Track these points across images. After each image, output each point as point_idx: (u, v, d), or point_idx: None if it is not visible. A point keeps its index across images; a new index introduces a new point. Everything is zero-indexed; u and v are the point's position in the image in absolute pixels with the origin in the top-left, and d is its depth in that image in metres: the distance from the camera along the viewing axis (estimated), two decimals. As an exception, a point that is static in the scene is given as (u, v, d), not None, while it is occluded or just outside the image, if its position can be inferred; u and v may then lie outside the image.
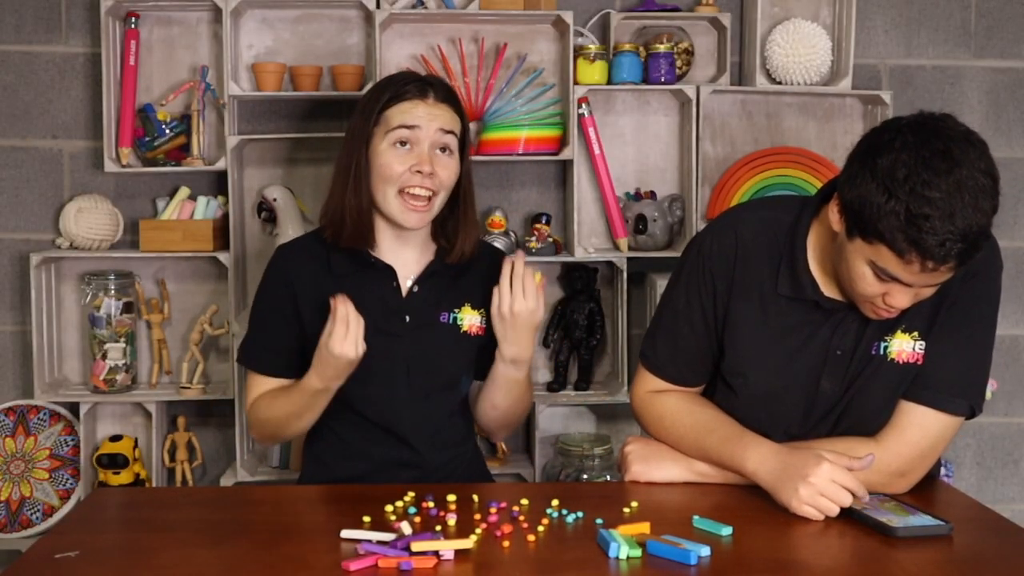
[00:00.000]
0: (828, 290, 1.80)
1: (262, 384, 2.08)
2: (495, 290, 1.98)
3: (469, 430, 2.18)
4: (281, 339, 2.06)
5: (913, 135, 1.60)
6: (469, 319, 2.08)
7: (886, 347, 1.78)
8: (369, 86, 2.89)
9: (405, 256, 2.08)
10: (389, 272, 2.06)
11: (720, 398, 1.90)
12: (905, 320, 1.77)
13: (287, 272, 2.07)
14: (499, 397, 2.08)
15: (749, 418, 1.83)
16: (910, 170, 1.56)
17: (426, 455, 2.05)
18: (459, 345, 2.07)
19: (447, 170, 2.02)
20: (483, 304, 2.07)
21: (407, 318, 2.05)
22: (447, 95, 2.05)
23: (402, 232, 2.05)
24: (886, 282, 1.65)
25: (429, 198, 2.00)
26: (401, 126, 1.99)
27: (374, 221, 2.05)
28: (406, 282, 2.07)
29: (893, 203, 1.57)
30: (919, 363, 1.77)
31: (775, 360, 1.82)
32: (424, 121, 1.99)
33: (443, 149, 2.01)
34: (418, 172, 1.98)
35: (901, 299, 1.67)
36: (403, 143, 1.99)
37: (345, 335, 1.87)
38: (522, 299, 1.96)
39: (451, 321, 2.07)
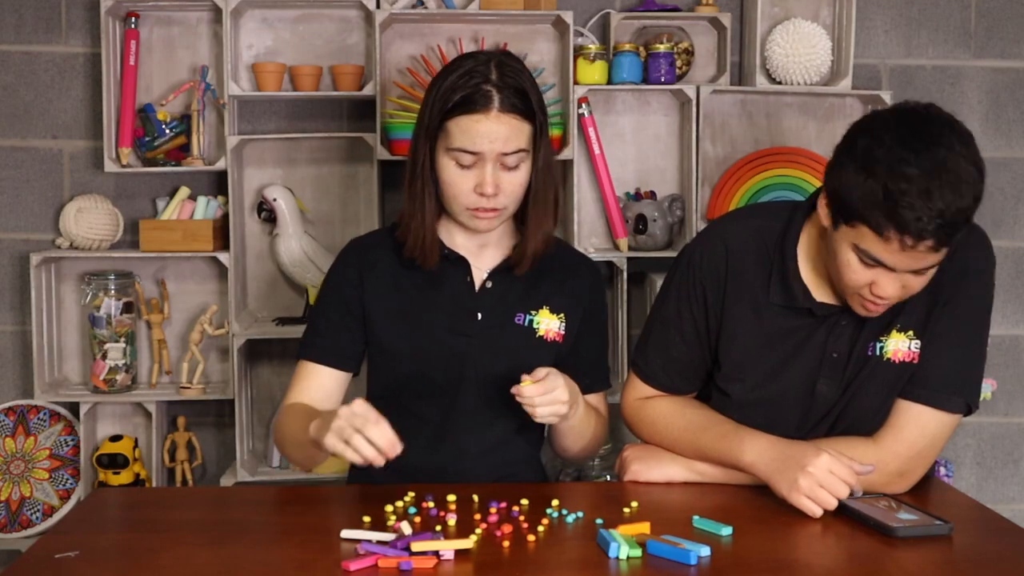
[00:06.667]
0: (821, 295, 1.80)
1: (313, 380, 1.93)
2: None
3: (534, 448, 2.03)
4: (344, 329, 1.94)
5: (894, 119, 1.63)
6: (547, 323, 1.93)
7: (882, 347, 1.78)
8: (368, 87, 2.91)
9: (482, 244, 1.95)
10: (463, 264, 1.93)
11: (715, 404, 1.90)
12: (900, 319, 1.77)
13: (359, 263, 1.96)
14: (568, 443, 1.97)
15: (745, 424, 1.83)
16: (888, 149, 1.58)
17: (478, 470, 1.92)
18: (534, 351, 1.89)
19: (512, 184, 1.86)
20: (564, 309, 1.95)
21: (479, 316, 1.92)
22: (514, 101, 1.85)
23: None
24: (871, 267, 1.65)
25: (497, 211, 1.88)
26: (461, 149, 1.83)
27: (437, 234, 1.92)
28: (481, 275, 1.95)
29: (871, 182, 1.58)
30: (915, 362, 1.78)
31: (771, 366, 1.82)
32: (486, 144, 1.82)
33: (507, 166, 1.85)
34: (482, 195, 1.84)
35: (887, 287, 1.66)
36: (464, 164, 1.85)
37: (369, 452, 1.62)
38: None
39: (527, 323, 1.93)
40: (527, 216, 1.93)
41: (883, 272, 1.65)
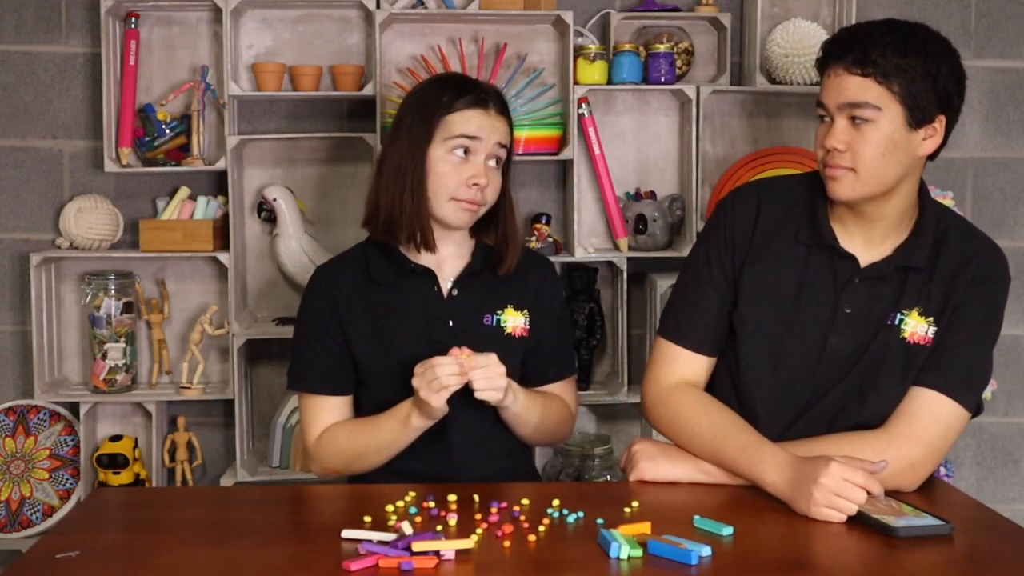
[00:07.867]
0: (845, 243, 1.86)
1: (326, 409, 2.03)
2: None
3: (517, 441, 2.08)
4: (334, 355, 2.03)
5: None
6: (513, 321, 2.04)
7: (902, 321, 1.82)
8: (368, 87, 2.91)
9: (442, 258, 2.05)
10: (429, 276, 2.03)
11: (729, 348, 1.92)
12: (921, 304, 1.81)
13: (330, 288, 2.04)
14: (518, 430, 2.04)
15: (757, 377, 1.86)
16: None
17: (469, 468, 1.99)
18: (504, 349, 1.95)
19: (495, 184, 2.01)
20: (527, 305, 2.06)
21: (450, 323, 2.02)
22: (502, 106, 2.04)
23: (442, 232, 2.03)
24: (825, 122, 1.80)
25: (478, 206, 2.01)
26: (463, 135, 1.97)
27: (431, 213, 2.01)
28: (446, 285, 2.04)
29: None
30: (929, 345, 1.81)
31: (783, 306, 1.86)
32: (486, 133, 1.98)
33: (496, 161, 2.02)
34: (474, 184, 1.97)
35: (831, 137, 1.78)
36: (463, 151, 1.98)
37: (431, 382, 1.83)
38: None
39: (495, 323, 2.04)
40: (503, 215, 2.06)
41: (832, 125, 1.79)
